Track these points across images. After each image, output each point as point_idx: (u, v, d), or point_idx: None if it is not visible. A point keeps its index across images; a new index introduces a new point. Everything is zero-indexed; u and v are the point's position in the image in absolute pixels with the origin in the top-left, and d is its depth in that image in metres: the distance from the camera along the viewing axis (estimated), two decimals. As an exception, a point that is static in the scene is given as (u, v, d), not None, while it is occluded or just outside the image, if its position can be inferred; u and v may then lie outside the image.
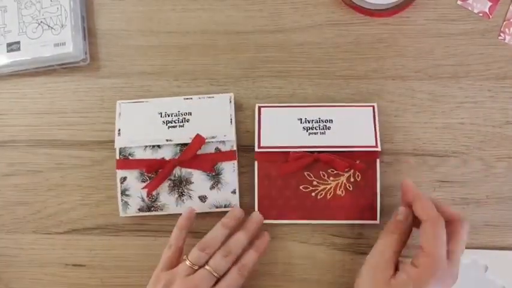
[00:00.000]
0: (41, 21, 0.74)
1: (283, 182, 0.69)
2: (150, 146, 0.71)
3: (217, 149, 0.70)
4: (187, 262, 0.62)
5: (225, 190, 0.70)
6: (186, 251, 0.72)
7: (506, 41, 0.72)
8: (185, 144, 0.70)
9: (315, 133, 0.70)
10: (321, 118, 0.70)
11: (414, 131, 0.72)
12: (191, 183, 0.70)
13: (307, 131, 0.70)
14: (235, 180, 0.70)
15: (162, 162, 0.70)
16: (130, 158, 0.71)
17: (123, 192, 0.71)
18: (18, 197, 0.75)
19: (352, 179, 0.69)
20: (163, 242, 0.72)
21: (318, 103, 0.72)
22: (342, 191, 0.69)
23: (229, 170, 0.70)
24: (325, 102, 0.73)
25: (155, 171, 0.70)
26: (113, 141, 0.72)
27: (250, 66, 0.74)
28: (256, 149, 0.70)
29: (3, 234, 0.75)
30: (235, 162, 0.70)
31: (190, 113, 0.71)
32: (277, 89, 0.74)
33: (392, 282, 0.57)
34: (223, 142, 0.70)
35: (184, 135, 0.70)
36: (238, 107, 0.73)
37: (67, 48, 0.73)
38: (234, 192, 0.70)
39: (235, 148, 0.70)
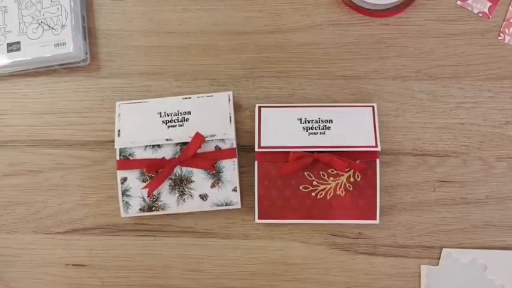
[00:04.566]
0: (42, 22, 0.74)
1: (283, 182, 0.69)
2: (150, 145, 0.71)
3: (217, 147, 0.70)
4: None
5: (226, 188, 0.70)
6: (182, 250, 0.72)
7: (505, 41, 0.72)
8: (185, 143, 0.70)
9: (315, 133, 0.70)
10: (321, 118, 0.70)
11: (414, 131, 0.72)
12: (192, 182, 0.70)
13: (307, 131, 0.70)
14: (236, 178, 0.70)
15: (162, 162, 0.70)
16: (130, 158, 0.71)
17: (123, 193, 0.71)
18: (18, 197, 0.75)
19: (352, 179, 0.69)
20: (163, 241, 0.72)
21: (317, 103, 0.72)
22: (342, 191, 0.69)
23: (230, 168, 0.70)
24: (325, 102, 0.73)
25: (156, 171, 0.70)
26: (113, 141, 0.72)
27: (250, 66, 0.74)
28: (256, 149, 0.70)
29: (4, 234, 0.75)
30: (236, 160, 0.70)
31: (189, 112, 0.71)
32: (277, 89, 0.74)
33: None
34: (223, 140, 0.70)
35: (184, 134, 0.70)
36: (238, 107, 0.73)
37: (67, 49, 0.73)
38: (235, 190, 0.70)
39: (235, 146, 0.70)
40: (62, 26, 0.73)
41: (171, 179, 0.70)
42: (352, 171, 0.69)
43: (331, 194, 0.69)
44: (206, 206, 0.70)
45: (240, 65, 0.75)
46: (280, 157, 0.69)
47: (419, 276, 0.70)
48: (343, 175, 0.69)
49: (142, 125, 0.72)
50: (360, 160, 0.69)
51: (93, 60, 0.76)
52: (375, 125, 0.70)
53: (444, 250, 0.70)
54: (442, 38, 0.73)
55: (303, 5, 0.75)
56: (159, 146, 0.71)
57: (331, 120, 0.70)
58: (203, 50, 0.75)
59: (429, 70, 0.72)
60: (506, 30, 0.72)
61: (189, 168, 0.70)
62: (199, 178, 0.70)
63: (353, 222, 0.70)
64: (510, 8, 0.73)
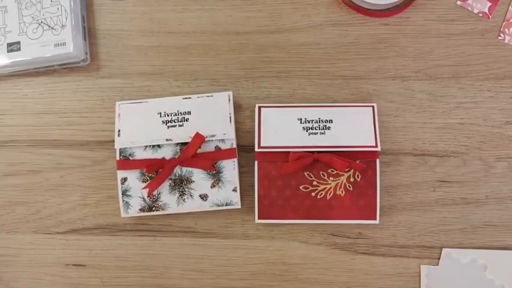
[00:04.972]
0: (42, 22, 0.74)
1: (283, 182, 0.69)
2: (150, 146, 0.71)
3: (217, 147, 0.70)
4: None
5: (226, 188, 0.70)
6: (182, 250, 0.72)
7: (505, 41, 0.72)
8: (185, 144, 0.70)
9: (315, 133, 0.70)
10: (321, 118, 0.70)
11: (414, 131, 0.72)
12: (192, 182, 0.70)
13: (307, 131, 0.70)
14: (236, 178, 0.70)
15: (162, 162, 0.70)
16: (130, 158, 0.71)
17: (124, 193, 0.71)
18: (18, 197, 0.75)
19: (352, 179, 0.69)
20: (163, 241, 0.72)
21: (317, 103, 0.72)
22: (342, 191, 0.69)
23: (230, 168, 0.70)
24: (325, 102, 0.73)
25: (156, 171, 0.70)
26: (113, 141, 0.72)
27: (250, 66, 0.74)
28: (256, 149, 0.70)
29: (3, 234, 0.75)
30: (236, 160, 0.70)
31: (189, 112, 0.71)
32: (277, 89, 0.74)
33: None
34: (223, 140, 0.70)
35: (184, 135, 0.70)
36: (238, 107, 0.73)
37: (67, 49, 0.73)
38: (235, 190, 0.70)
39: (235, 146, 0.70)
40: (62, 26, 0.73)
41: (171, 179, 0.70)
42: (352, 171, 0.69)
43: (331, 194, 0.69)
44: (206, 206, 0.70)
45: (240, 65, 0.75)
46: (280, 157, 0.69)
47: (419, 276, 0.70)
48: (343, 175, 0.69)
49: (142, 125, 0.72)
50: (360, 160, 0.69)
51: (93, 60, 0.76)
52: (375, 125, 0.70)
53: (444, 250, 0.70)
54: (442, 38, 0.73)
55: (303, 5, 0.75)
56: (159, 146, 0.71)
57: (331, 120, 0.70)
58: (203, 50, 0.75)
59: (429, 70, 0.72)
60: (506, 30, 0.72)
61: (189, 168, 0.70)
62: (199, 178, 0.70)
63: (353, 222, 0.70)
64: (510, 8, 0.73)
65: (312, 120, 0.70)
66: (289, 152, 0.69)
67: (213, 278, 0.72)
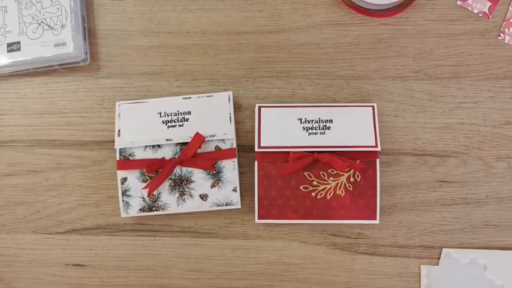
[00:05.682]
0: (42, 22, 0.74)
1: (283, 182, 0.69)
2: (150, 146, 0.71)
3: (217, 147, 0.70)
4: None
5: (226, 188, 0.70)
6: (182, 250, 0.72)
7: (505, 41, 0.72)
8: (185, 144, 0.70)
9: (315, 133, 0.70)
10: (321, 118, 0.70)
11: (414, 131, 0.72)
12: (192, 182, 0.70)
13: (307, 131, 0.70)
14: (236, 178, 0.70)
15: (162, 162, 0.70)
16: (130, 158, 0.71)
17: (124, 193, 0.71)
18: (18, 197, 0.75)
19: (352, 179, 0.69)
20: (163, 241, 0.72)
21: (317, 103, 0.72)
22: (342, 191, 0.69)
23: (230, 168, 0.70)
24: (325, 102, 0.73)
25: (156, 171, 0.70)
26: (113, 141, 0.72)
27: (250, 66, 0.74)
28: (256, 149, 0.70)
29: (3, 234, 0.75)
30: (236, 160, 0.70)
31: (189, 112, 0.71)
32: (277, 89, 0.74)
33: None
34: (223, 140, 0.70)
35: (184, 135, 0.70)
36: (238, 107, 0.73)
37: (67, 49, 0.73)
38: (235, 190, 0.70)
39: (235, 146, 0.70)
40: (62, 26, 0.73)
41: (171, 179, 0.70)
42: (352, 171, 0.69)
43: (331, 194, 0.69)
44: (206, 206, 0.70)
45: (240, 65, 0.75)
46: (280, 157, 0.69)
47: (419, 276, 0.70)
48: (343, 175, 0.69)
49: (142, 125, 0.72)
50: (360, 160, 0.69)
51: (93, 60, 0.76)
52: (375, 125, 0.70)
53: (444, 250, 0.70)
54: (442, 38, 0.73)
55: (303, 5, 0.75)
56: (159, 146, 0.71)
57: (331, 120, 0.70)
58: (203, 50, 0.75)
59: (429, 70, 0.72)
60: (506, 30, 0.72)
61: (189, 168, 0.70)
62: (199, 178, 0.70)
63: (353, 222, 0.70)
64: (510, 8, 0.73)
65: (312, 120, 0.70)
66: (289, 152, 0.69)
67: (213, 278, 0.72)
